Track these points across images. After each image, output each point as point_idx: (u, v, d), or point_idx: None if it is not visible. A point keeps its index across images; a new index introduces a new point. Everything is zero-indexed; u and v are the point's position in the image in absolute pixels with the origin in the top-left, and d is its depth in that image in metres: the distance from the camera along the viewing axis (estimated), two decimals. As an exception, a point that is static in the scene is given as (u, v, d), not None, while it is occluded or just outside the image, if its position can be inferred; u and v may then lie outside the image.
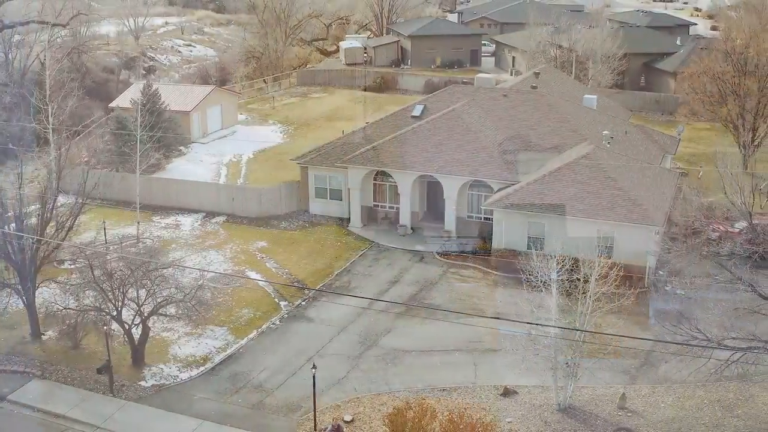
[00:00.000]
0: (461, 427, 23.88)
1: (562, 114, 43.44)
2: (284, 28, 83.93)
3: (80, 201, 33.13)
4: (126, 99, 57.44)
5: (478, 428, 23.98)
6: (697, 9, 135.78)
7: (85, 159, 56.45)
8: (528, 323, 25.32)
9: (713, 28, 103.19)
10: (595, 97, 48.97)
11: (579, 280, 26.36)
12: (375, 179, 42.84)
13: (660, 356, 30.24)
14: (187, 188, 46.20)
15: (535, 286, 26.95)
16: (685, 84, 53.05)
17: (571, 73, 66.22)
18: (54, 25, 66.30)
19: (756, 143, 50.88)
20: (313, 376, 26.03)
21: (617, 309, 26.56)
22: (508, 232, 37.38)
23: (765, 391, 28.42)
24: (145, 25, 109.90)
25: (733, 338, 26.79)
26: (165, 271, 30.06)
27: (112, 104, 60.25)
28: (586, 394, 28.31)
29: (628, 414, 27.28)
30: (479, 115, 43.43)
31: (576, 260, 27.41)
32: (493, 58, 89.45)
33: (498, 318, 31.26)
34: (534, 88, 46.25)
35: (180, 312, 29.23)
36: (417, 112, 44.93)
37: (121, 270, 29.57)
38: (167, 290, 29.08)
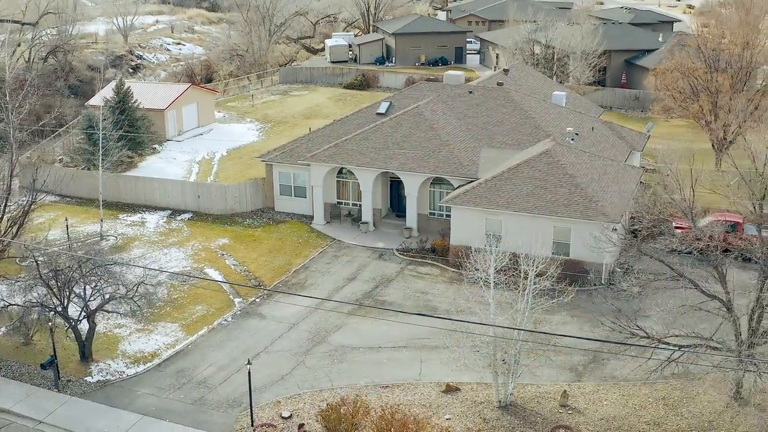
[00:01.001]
0: (393, 423, 23.91)
1: (527, 111, 43.31)
2: (268, 26, 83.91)
3: (30, 199, 33.11)
4: (102, 97, 57.52)
5: (410, 425, 23.99)
6: (690, 6, 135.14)
7: (60, 157, 56.85)
8: (460, 321, 25.23)
9: (704, 26, 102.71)
10: (564, 93, 48.80)
11: (518, 276, 26.31)
12: (338, 176, 42.84)
13: (608, 353, 30.12)
14: (154, 186, 46.26)
15: (474, 283, 26.95)
16: (656, 80, 52.78)
17: (552, 70, 66.08)
18: (23, 23, 66.32)
19: (729, 140, 50.61)
20: (248, 372, 26.05)
21: (572, 306, 26.41)
22: (465, 229, 37.29)
23: (711, 389, 28.23)
24: (136, 24, 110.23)
25: (675, 336, 26.72)
26: (112, 268, 30.12)
27: (89, 102, 60.37)
28: (530, 392, 28.24)
29: (569, 412, 27.19)
30: (443, 112, 43.35)
31: (515, 256, 27.33)
32: (478, 56, 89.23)
33: (429, 316, 31.14)
34: (500, 84, 46.12)
35: (123, 308, 29.24)
36: (382, 109, 44.89)
37: (68, 267, 29.68)
38: (112, 287, 29.14)
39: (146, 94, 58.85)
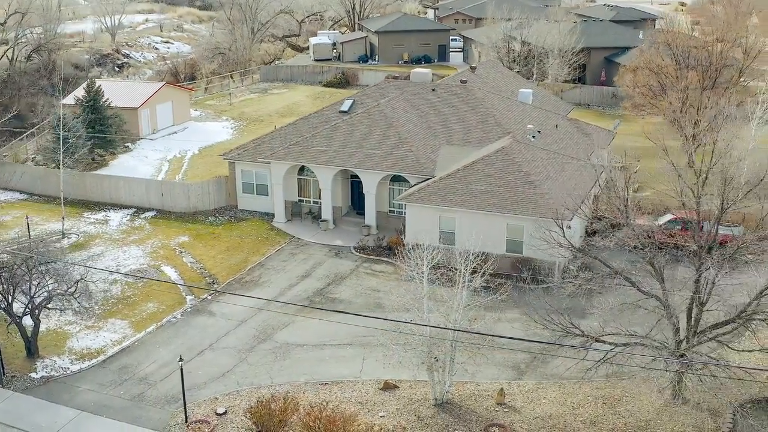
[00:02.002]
0: (321, 420, 23.96)
1: (489, 108, 43.28)
2: (251, 25, 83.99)
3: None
4: (74, 96, 57.76)
5: (338, 422, 24.03)
6: (682, 3, 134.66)
7: (32, 156, 57.06)
8: (392, 320, 25.25)
9: (695, 23, 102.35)
10: (530, 91, 48.75)
11: (451, 272, 26.30)
12: (299, 174, 42.90)
13: (551, 352, 30.04)
14: (119, 184, 46.40)
15: (411, 280, 26.95)
16: (627, 78, 52.66)
17: (527, 67, 65.97)
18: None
19: (698, 137, 50.39)
20: (181, 369, 26.15)
21: (524, 304, 26.14)
22: (420, 227, 37.27)
23: (648, 388, 28.11)
24: (126, 22, 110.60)
25: (614, 334, 26.61)
26: (55, 265, 30.24)
27: (63, 101, 60.52)
28: (469, 390, 28.22)
29: (506, 410, 27.15)
30: (404, 110, 43.36)
31: (445, 252, 27.32)
32: (462, 53, 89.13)
33: (360, 315, 31.10)
34: (463, 82, 46.08)
35: (63, 305, 29.38)
36: (345, 107, 44.93)
37: (14, 264, 29.82)
38: (53, 284, 29.28)
39: (121, 92, 59.06)
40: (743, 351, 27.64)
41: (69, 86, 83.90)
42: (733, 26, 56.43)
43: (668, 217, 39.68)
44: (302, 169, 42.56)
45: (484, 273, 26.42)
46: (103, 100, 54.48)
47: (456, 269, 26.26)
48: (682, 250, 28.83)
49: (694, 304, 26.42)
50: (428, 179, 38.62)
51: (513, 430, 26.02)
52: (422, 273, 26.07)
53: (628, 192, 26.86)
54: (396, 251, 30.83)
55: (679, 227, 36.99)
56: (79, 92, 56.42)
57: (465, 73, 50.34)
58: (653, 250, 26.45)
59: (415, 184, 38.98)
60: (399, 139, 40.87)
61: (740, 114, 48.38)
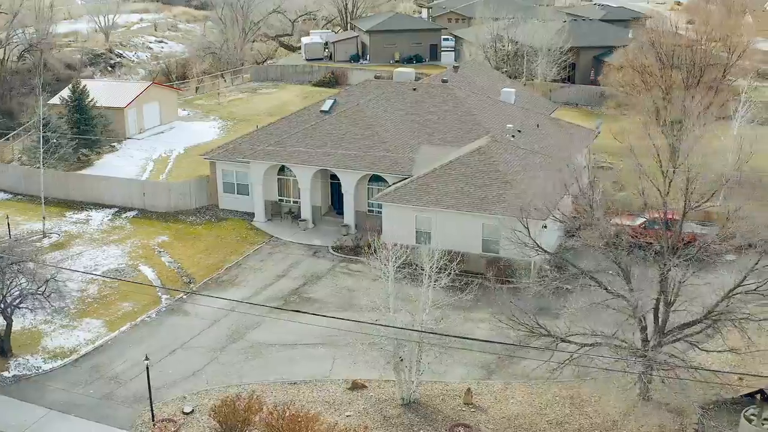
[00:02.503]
0: (283, 419, 24.03)
1: (469, 108, 43.32)
2: (242, 24, 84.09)
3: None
4: (59, 97, 57.91)
5: (301, 421, 24.11)
6: (678, 3, 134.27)
7: (18, 156, 57.20)
8: (354, 321, 25.31)
9: (689, 22, 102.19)
10: (513, 90, 48.74)
11: (420, 272, 26.36)
12: (279, 174, 42.98)
13: (522, 351, 30.03)
14: (101, 184, 46.54)
15: (377, 279, 27.03)
16: (610, 77, 52.63)
17: (515, 67, 65.96)
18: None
19: (680, 137, 50.33)
20: (147, 368, 26.25)
21: (495, 303, 25.96)
22: (397, 226, 37.34)
23: (616, 388, 28.10)
24: (120, 22, 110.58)
25: (581, 334, 26.59)
26: (26, 264, 30.36)
27: (49, 101, 60.67)
28: (437, 389, 28.25)
29: (472, 410, 27.18)
30: (385, 110, 43.40)
31: (412, 250, 27.39)
32: (453, 53, 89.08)
33: (320, 315, 31.17)
34: (444, 82, 46.12)
35: (36, 305, 29.51)
36: (326, 106, 45.00)
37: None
38: (24, 284, 29.42)
39: (108, 92, 59.19)
40: (712, 352, 27.67)
41: (61, 86, 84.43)
42: (726, 25, 56.38)
43: (645, 216, 39.68)
44: (282, 168, 42.64)
45: (450, 272, 26.48)
46: (88, 100, 54.60)
47: (423, 269, 26.35)
48: (646, 250, 28.87)
49: (661, 304, 26.50)
50: (406, 179, 38.67)
51: (478, 431, 26.10)
52: (388, 272, 26.17)
53: (593, 191, 26.86)
54: (364, 251, 30.91)
55: (657, 227, 37.02)
56: (65, 92, 56.54)
57: (448, 72, 50.36)
58: (620, 249, 26.46)
59: (392, 184, 39.05)
60: (377, 139, 40.92)
61: (721, 113, 48.47)
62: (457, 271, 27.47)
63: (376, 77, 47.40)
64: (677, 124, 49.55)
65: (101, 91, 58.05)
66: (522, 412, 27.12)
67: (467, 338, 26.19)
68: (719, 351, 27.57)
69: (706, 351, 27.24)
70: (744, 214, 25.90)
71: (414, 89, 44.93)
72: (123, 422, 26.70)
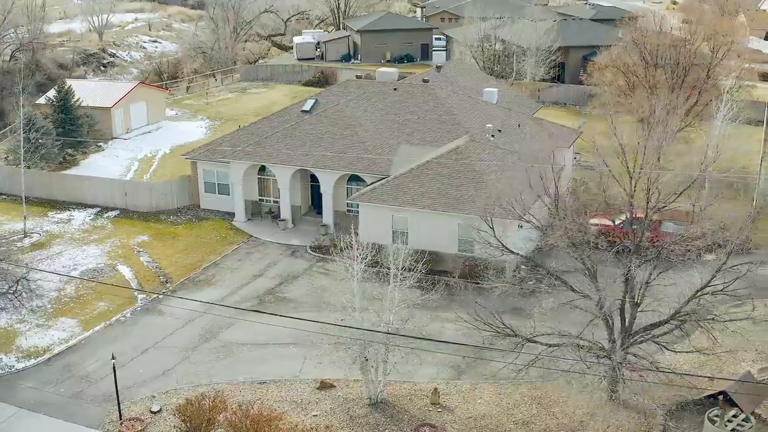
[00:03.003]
0: (247, 418, 24.14)
1: (450, 108, 43.37)
2: (233, 24, 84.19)
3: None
4: (45, 97, 58.09)
5: (263, 420, 24.21)
6: (674, 2, 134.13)
7: (5, 156, 57.35)
8: (316, 321, 25.39)
9: (685, 21, 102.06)
10: (495, 90, 48.76)
11: (382, 270, 26.43)
12: (260, 174, 43.08)
13: (490, 352, 30.03)
14: (84, 184, 46.67)
15: (343, 279, 27.12)
16: (595, 76, 52.67)
17: (503, 66, 65.96)
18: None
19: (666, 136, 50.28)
20: (113, 367, 26.38)
21: (465, 303, 25.94)
22: (373, 226, 37.44)
23: (586, 388, 28.13)
24: (115, 21, 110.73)
25: (545, 334, 26.60)
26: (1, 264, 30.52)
27: (36, 102, 60.86)
28: (405, 389, 28.32)
29: (439, 410, 27.24)
30: (364, 109, 43.48)
31: (380, 250, 27.47)
32: (444, 52, 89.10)
33: (278, 315, 31.24)
34: (425, 81, 46.16)
35: (6, 304, 29.65)
36: (307, 106, 45.08)
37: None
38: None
39: (95, 92, 59.31)
40: (680, 352, 27.70)
41: (53, 86, 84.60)
42: (717, 24, 56.30)
43: (623, 216, 39.69)
44: (262, 168, 42.73)
45: (417, 272, 26.55)
46: (74, 100, 54.73)
47: (389, 268, 26.43)
48: (618, 250, 28.86)
49: (626, 305, 26.52)
50: (383, 179, 38.75)
51: (444, 430, 26.16)
52: (354, 272, 26.26)
53: (558, 190, 26.91)
54: (331, 250, 30.98)
55: (635, 227, 37.02)
56: (51, 92, 56.69)
57: (430, 72, 50.41)
58: (584, 248, 26.48)
59: (370, 184, 39.13)
60: (356, 139, 41.00)
61: (705, 113, 48.45)
62: (424, 271, 27.53)
63: (357, 77, 47.23)
64: (654, 125, 49.63)
65: (89, 91, 58.20)
66: (489, 412, 27.18)
67: (430, 339, 26.23)
68: (687, 352, 27.67)
69: (674, 351, 27.26)
70: (709, 214, 25.99)
71: (395, 89, 44.98)
72: (92, 421, 26.82)
